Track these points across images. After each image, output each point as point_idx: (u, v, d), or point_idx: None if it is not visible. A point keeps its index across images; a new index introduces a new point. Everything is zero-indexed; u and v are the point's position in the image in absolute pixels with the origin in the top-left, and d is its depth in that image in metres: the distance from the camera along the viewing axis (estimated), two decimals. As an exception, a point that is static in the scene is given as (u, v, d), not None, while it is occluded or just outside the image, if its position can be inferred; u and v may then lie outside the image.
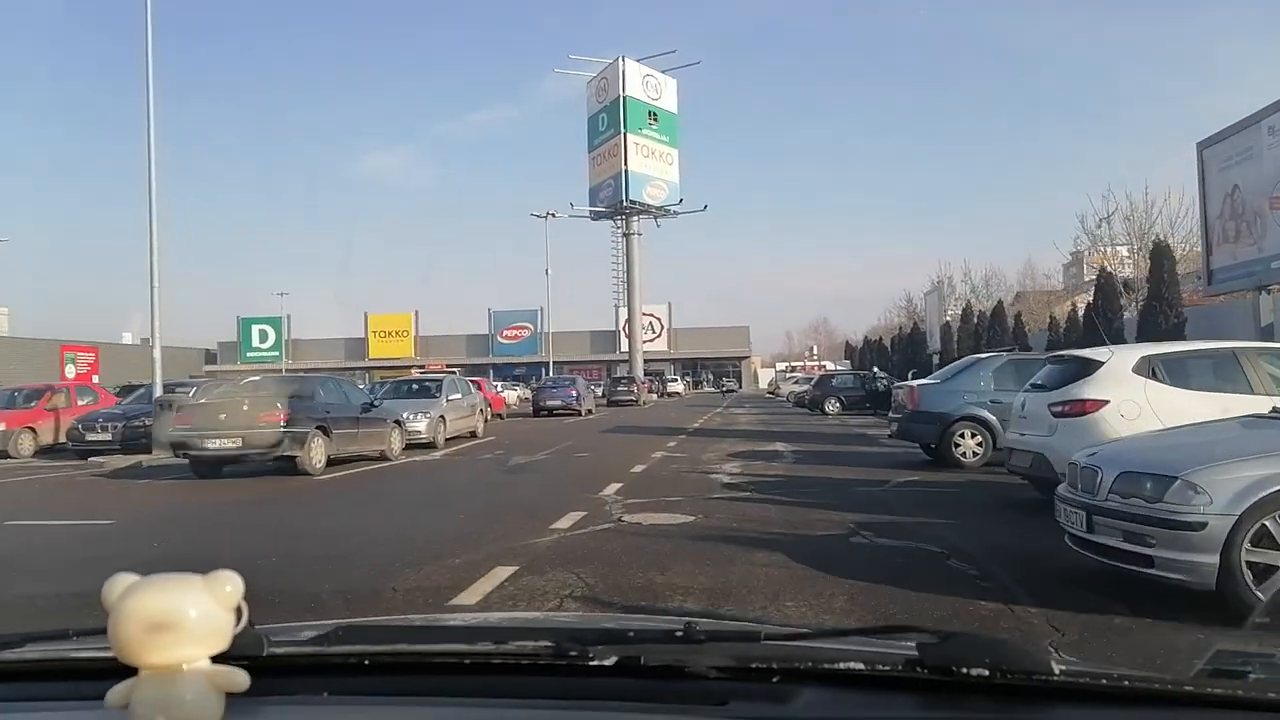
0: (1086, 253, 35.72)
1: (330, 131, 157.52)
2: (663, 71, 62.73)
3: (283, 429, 11.39)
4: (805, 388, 35.78)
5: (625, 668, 0.97)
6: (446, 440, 17.08)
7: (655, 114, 62.43)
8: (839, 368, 53.90)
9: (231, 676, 0.79)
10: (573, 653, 0.98)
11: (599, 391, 44.25)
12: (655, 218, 63.48)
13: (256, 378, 13.32)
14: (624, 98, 59.84)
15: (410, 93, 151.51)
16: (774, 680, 0.97)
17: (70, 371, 61.45)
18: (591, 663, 0.97)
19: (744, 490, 9.35)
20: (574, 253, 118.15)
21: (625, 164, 59.69)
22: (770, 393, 57.72)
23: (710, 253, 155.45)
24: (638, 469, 11.67)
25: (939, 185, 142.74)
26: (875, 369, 33.94)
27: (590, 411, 31.27)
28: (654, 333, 73.70)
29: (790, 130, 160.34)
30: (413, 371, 33.26)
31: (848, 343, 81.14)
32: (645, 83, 61.54)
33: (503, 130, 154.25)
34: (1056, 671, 0.92)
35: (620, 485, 9.71)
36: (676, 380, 64.37)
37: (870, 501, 8.37)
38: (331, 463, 12.59)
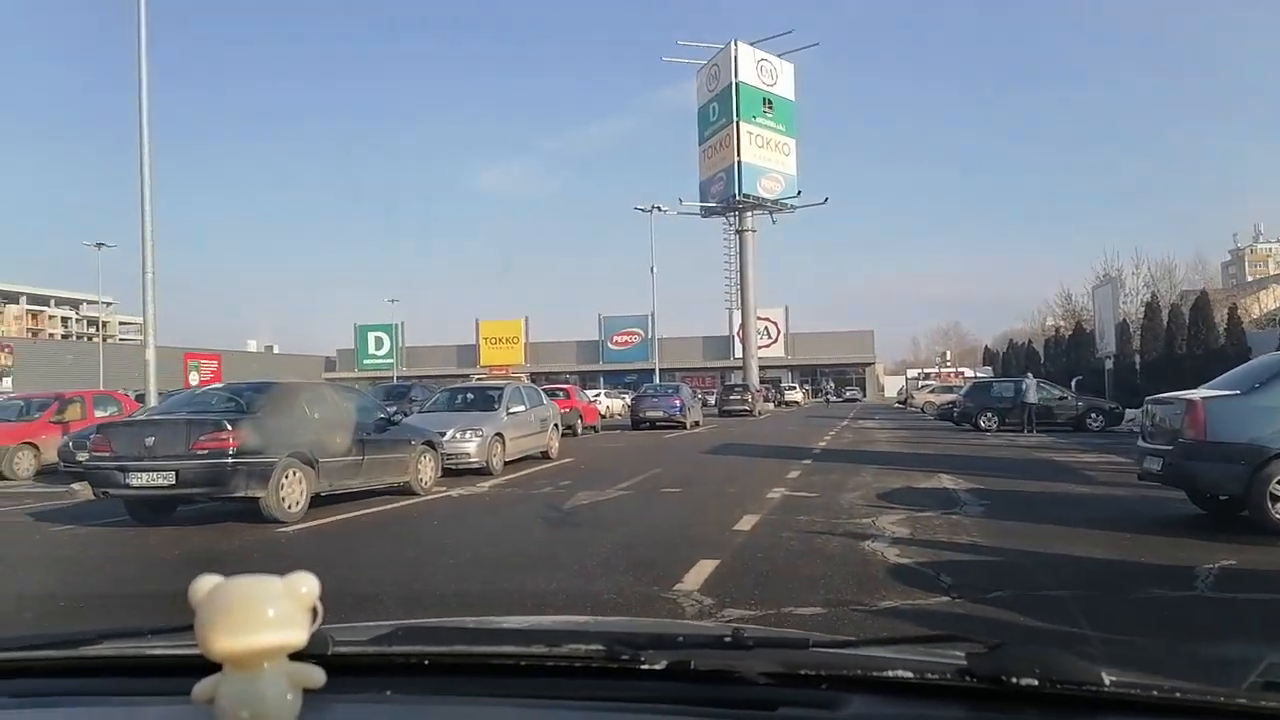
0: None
1: (451, 147, 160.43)
2: (779, 55, 58.17)
3: (232, 459, 7.93)
4: (949, 397, 30.74)
5: (675, 672, 0.98)
6: (507, 464, 13.49)
7: (770, 101, 57.96)
8: (980, 375, 48.00)
9: (309, 673, 0.81)
10: (624, 656, 1.00)
11: (710, 400, 40.25)
12: (770, 213, 58.94)
13: (218, 385, 9.97)
14: (736, 84, 55.67)
15: (529, 106, 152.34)
16: (822, 687, 0.97)
17: (194, 379, 62.15)
18: (642, 666, 0.99)
19: (933, 589, 5.19)
20: (687, 256, 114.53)
21: (738, 155, 55.48)
22: (900, 403, 52.18)
23: (829, 253, 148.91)
24: (746, 524, 7.64)
25: (1078, 182, 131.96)
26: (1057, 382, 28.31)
27: (697, 424, 27.25)
28: (769, 338, 69.19)
29: (918, 120, 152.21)
30: (474, 378, 29.94)
31: (986, 347, 74.08)
32: (760, 68, 57.16)
33: (619, 140, 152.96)
34: (1107, 682, 0.90)
35: (713, 568, 5.71)
36: (795, 388, 59.46)
37: (1234, 643, 4.06)
38: (325, 500, 9.12)
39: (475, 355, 75.58)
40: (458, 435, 12.68)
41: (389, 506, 9.54)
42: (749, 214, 57.84)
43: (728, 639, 1.03)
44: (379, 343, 78.94)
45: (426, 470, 10.86)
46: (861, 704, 0.95)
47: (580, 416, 23.45)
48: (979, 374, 49.85)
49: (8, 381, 53.84)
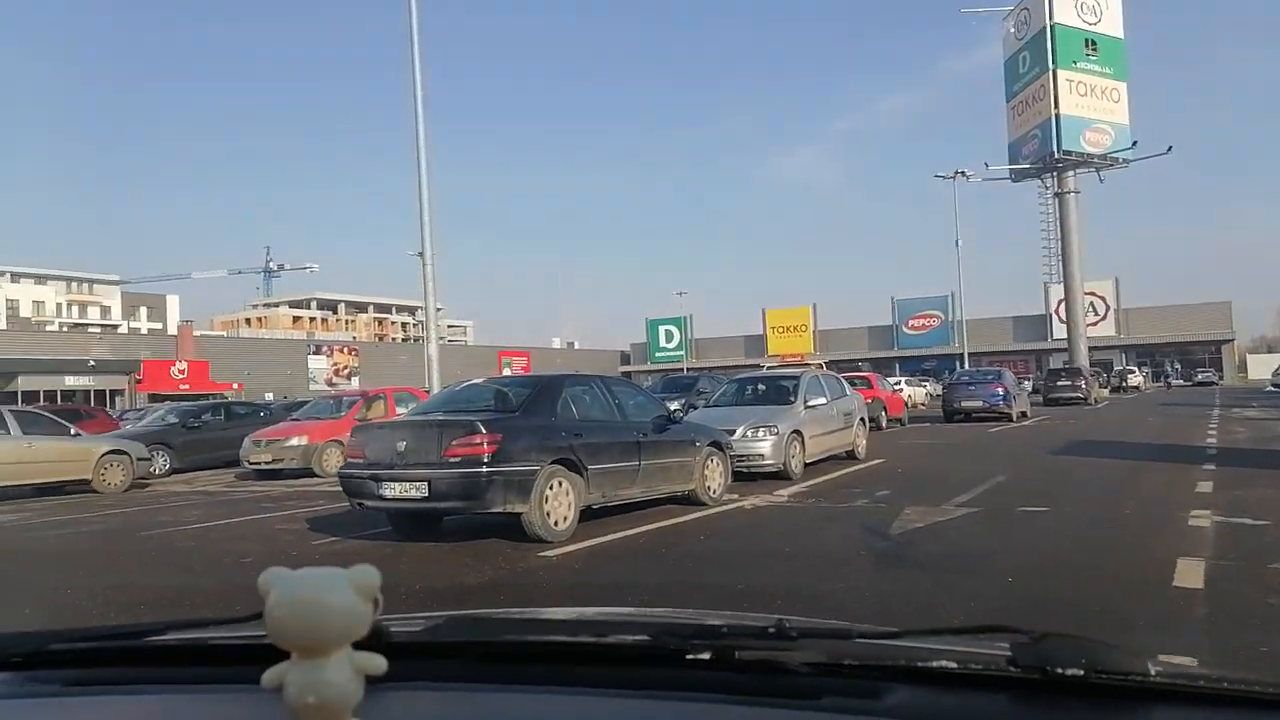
0: None
1: (738, 139, 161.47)
2: (1104, -13, 50.36)
3: (487, 468, 6.66)
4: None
5: (720, 662, 0.99)
6: (806, 466, 11.47)
7: (1093, 41, 50.36)
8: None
9: (372, 661, 0.84)
10: (670, 646, 1.01)
11: (1028, 387, 35.27)
12: (1097, 170, 51.26)
13: (478, 380, 8.85)
14: (1051, 26, 48.94)
15: (813, 90, 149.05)
16: (867, 677, 0.97)
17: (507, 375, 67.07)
18: (688, 657, 0.99)
19: None
20: (991, 229, 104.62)
21: (1055, 107, 48.76)
22: (1275, 385, 42.78)
23: (1171, 214, 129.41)
24: (1191, 578, 4.95)
25: None
26: None
27: (1024, 415, 23.31)
28: (1096, 314, 60.68)
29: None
30: (765, 367, 27.79)
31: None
32: (1079, 4, 49.80)
33: (906, 116, 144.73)
34: (1153, 672, 0.89)
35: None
36: (1135, 371, 51.22)
37: None
38: (596, 513, 7.70)
39: (762, 345, 74.64)
40: (749, 433, 10.88)
41: (671, 521, 7.92)
42: (1070, 173, 50.74)
43: (771, 630, 1.02)
44: (669, 335, 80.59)
45: (714, 476, 9.14)
46: (906, 694, 0.93)
47: (884, 408, 20.75)
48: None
49: (355, 381, 61.18)
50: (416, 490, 6.79)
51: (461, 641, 1.11)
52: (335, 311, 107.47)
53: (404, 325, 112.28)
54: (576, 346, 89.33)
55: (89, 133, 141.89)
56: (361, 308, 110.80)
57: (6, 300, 79.91)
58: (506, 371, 67.18)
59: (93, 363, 45.63)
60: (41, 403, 33.35)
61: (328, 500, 10.95)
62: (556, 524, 7.05)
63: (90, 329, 70.10)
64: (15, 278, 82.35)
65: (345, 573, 0.82)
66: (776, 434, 10.90)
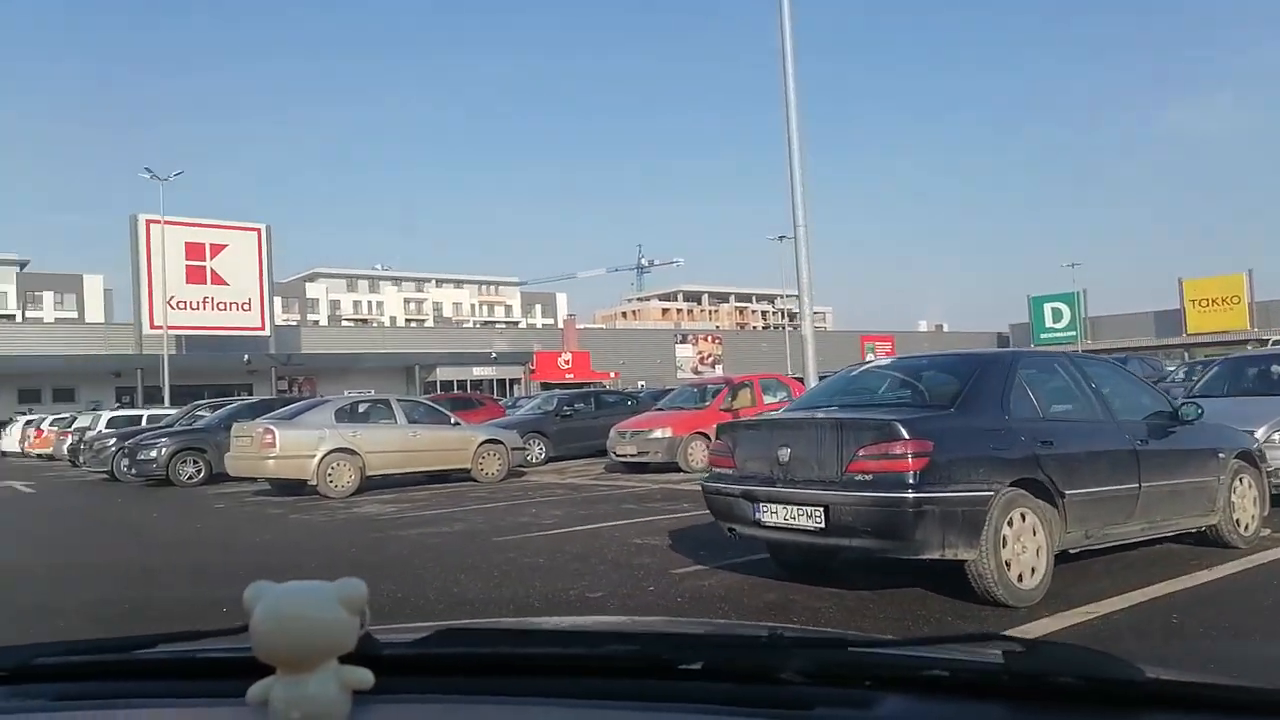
0: None
1: (1125, 88, 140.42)
2: None
3: (914, 491, 4.41)
4: None
5: (713, 672, 0.98)
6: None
7: None
8: None
9: (359, 675, 0.82)
10: (663, 656, 1.01)
11: None
12: None
13: (880, 361, 6.51)
14: None
15: (1217, 26, 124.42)
16: (860, 686, 0.95)
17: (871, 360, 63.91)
18: (680, 667, 0.98)
19: None
20: None
21: None
22: None
23: None
24: None
25: None
26: None
27: None
28: None
29: None
30: (1248, 346, 21.77)
31: None
32: None
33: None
34: (1145, 679, 0.88)
35: None
36: None
37: None
38: (1073, 557, 5.09)
39: (1179, 321, 63.32)
40: (1275, 436, 7.38)
41: (1198, 579, 5.04)
42: None
43: (765, 639, 1.03)
44: (1057, 314, 71.72)
45: (1246, 504, 6.01)
46: (898, 703, 0.92)
47: None
48: None
49: (719, 369, 61.84)
50: (808, 519, 4.73)
51: (452, 653, 1.09)
52: (699, 302, 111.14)
53: (763, 314, 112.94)
54: (945, 329, 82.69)
55: (494, 160, 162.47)
56: (723, 298, 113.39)
57: (433, 303, 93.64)
58: (870, 356, 63.74)
59: (494, 355, 50.76)
60: (455, 390, 37.25)
61: (694, 503, 9.40)
62: (1020, 579, 4.60)
63: (496, 325, 79.19)
64: (439, 284, 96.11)
65: (331, 586, 0.80)
66: (1328, 441, 7.24)
